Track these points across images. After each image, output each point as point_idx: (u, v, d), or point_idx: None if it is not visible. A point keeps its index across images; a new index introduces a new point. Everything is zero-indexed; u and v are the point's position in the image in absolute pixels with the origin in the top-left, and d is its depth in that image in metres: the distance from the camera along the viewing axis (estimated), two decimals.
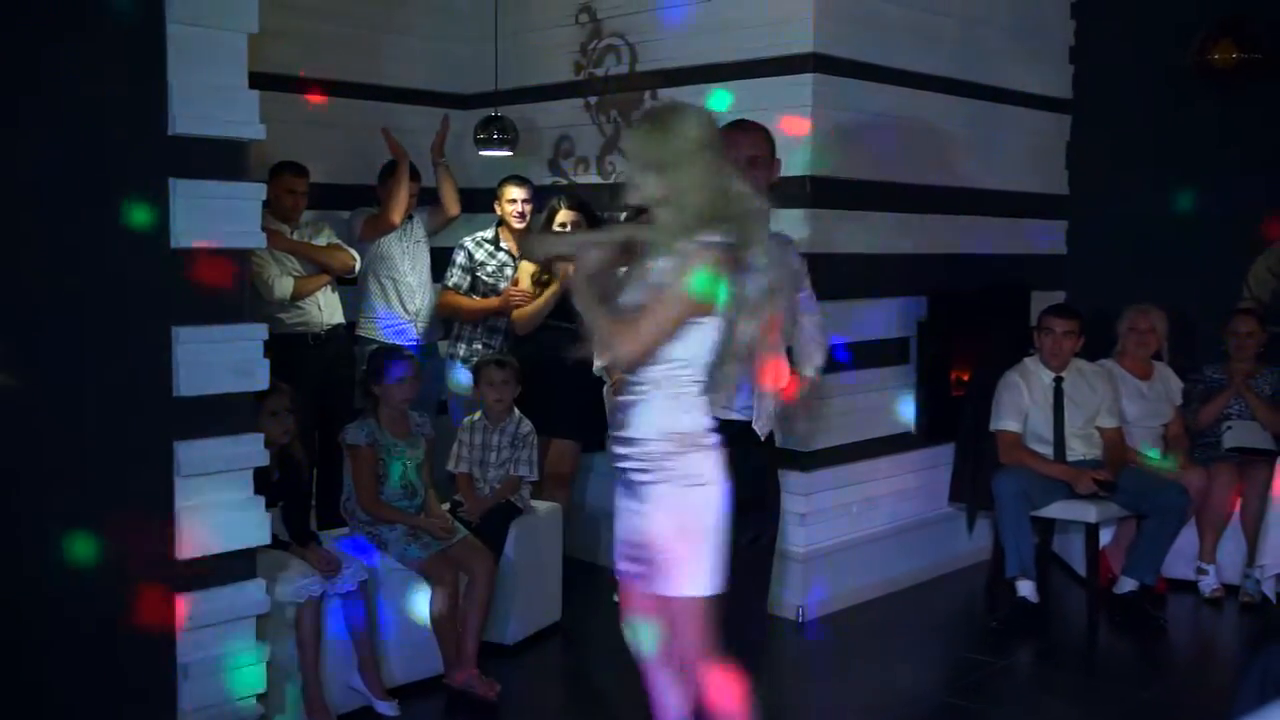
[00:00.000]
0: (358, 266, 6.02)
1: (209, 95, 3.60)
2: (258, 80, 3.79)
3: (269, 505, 3.93)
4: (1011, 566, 5.61)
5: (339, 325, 5.98)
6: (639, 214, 3.25)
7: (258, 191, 3.79)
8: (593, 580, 6.07)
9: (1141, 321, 6.08)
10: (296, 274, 5.77)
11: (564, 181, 6.55)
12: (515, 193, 6.19)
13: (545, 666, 5.21)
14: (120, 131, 3.48)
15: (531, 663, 5.15)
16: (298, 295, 5.75)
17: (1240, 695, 1.79)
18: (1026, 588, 5.61)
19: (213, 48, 3.61)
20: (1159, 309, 6.13)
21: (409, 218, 6.22)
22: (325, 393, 5.76)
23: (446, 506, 5.13)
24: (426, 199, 6.38)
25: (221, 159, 3.67)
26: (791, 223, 5.53)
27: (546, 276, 5.93)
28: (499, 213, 6.24)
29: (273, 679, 3.99)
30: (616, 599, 5.78)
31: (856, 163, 5.69)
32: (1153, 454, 5.89)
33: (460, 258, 6.20)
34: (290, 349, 5.62)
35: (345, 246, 5.98)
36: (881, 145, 5.84)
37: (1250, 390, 6.01)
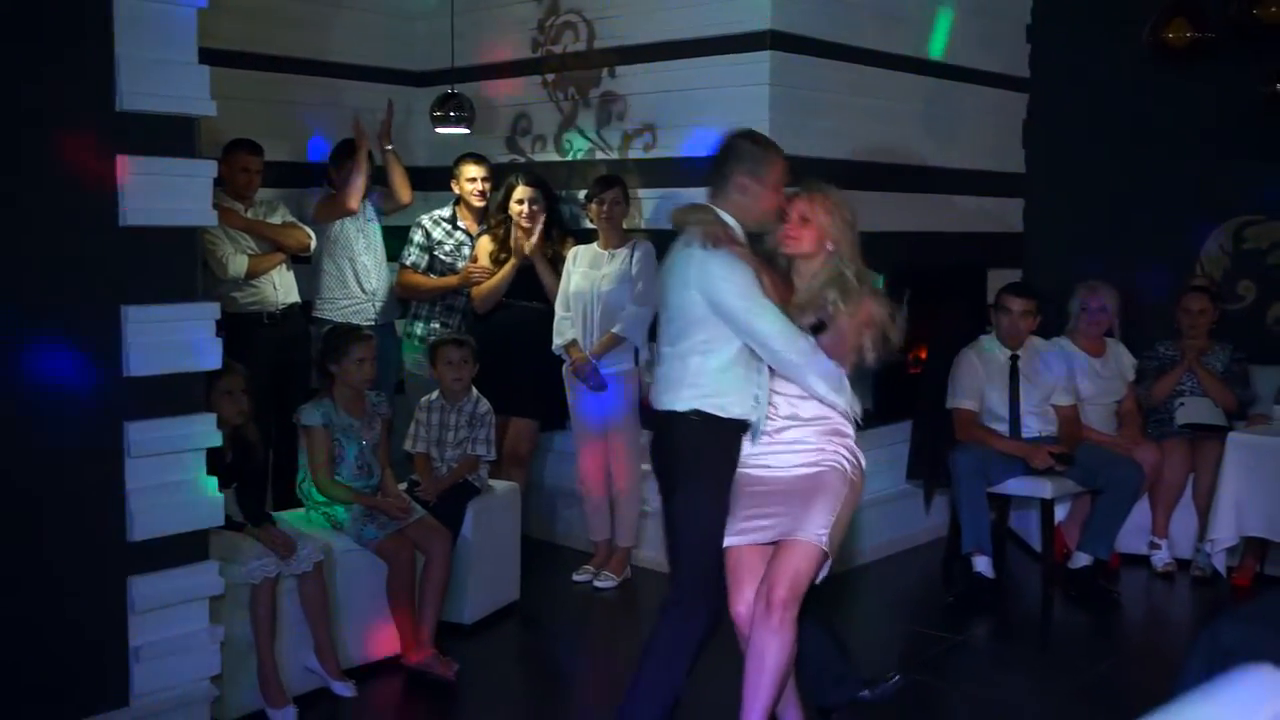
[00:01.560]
0: (313, 245, 5.96)
1: (158, 70, 3.54)
2: (209, 56, 3.73)
3: (223, 486, 3.90)
4: (968, 542, 5.65)
5: (294, 305, 5.92)
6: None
7: (208, 169, 3.75)
8: (551, 559, 6.08)
9: (1093, 299, 6.12)
10: (251, 252, 5.70)
11: (522, 160, 6.50)
12: (474, 171, 6.15)
13: (503, 646, 5.20)
14: (67, 107, 3.42)
15: (489, 642, 5.14)
16: (252, 274, 5.69)
17: (1188, 667, 1.80)
18: (983, 563, 5.65)
19: (162, 22, 3.56)
20: (1110, 286, 6.18)
21: (362, 199, 6.15)
22: (281, 373, 5.71)
23: (404, 486, 5.11)
24: (379, 179, 6.31)
25: (171, 135, 3.62)
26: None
27: (505, 255, 5.90)
28: (457, 191, 6.20)
29: (228, 660, 3.96)
30: (577, 577, 5.85)
31: (813, 141, 5.69)
32: None
33: (418, 237, 6.15)
34: (245, 329, 5.57)
35: (301, 225, 5.92)
36: (838, 123, 5.84)
37: (1202, 366, 6.07)
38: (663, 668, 3.69)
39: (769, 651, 3.44)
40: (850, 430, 3.64)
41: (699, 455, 3.64)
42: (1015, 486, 5.70)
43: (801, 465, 3.58)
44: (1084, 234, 6.82)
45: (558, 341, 5.73)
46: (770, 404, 3.63)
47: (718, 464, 3.65)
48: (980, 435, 5.71)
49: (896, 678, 4.05)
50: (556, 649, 5.27)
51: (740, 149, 3.66)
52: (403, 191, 6.29)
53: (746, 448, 3.66)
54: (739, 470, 3.65)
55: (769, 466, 3.61)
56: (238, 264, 5.61)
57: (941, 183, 6.46)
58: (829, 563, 3.54)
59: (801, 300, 3.61)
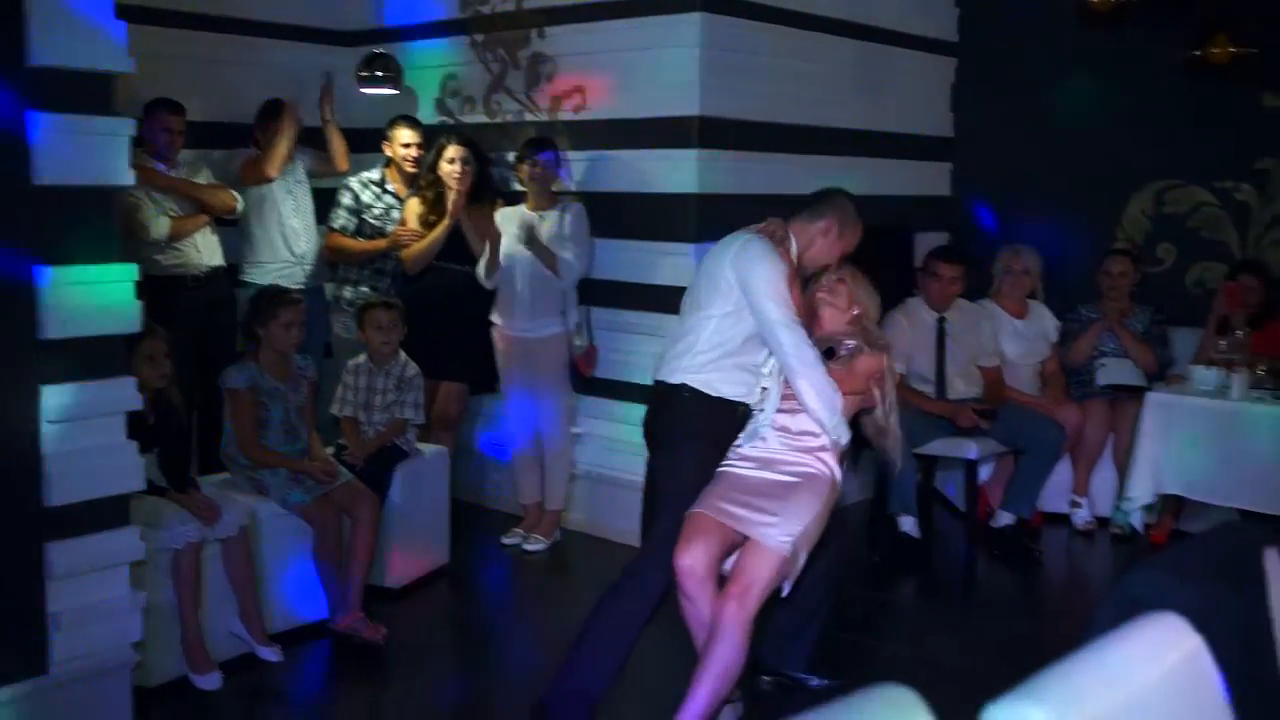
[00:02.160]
0: (239, 208, 5.87)
1: (72, 24, 3.45)
2: (130, 13, 3.65)
3: (144, 451, 3.84)
4: (894, 503, 5.72)
5: (219, 267, 5.82)
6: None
7: (126, 127, 3.65)
8: (481, 523, 6.06)
9: (1016, 262, 6.21)
10: (174, 214, 5.60)
11: (451, 121, 6.44)
12: (408, 136, 6.06)
13: (432, 609, 5.19)
14: None
15: (418, 606, 5.13)
16: (175, 236, 5.58)
17: (1099, 617, 1.85)
18: (908, 523, 5.73)
19: None
20: (1032, 249, 6.26)
21: (290, 159, 6.06)
22: (205, 336, 5.62)
23: (330, 450, 5.07)
24: (309, 139, 6.21)
25: (87, 92, 3.53)
26: (679, 164, 5.55)
27: (434, 217, 5.85)
28: (389, 154, 6.11)
29: (151, 626, 3.92)
30: (506, 540, 5.85)
31: (743, 103, 5.69)
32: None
33: (346, 200, 6.07)
34: (168, 291, 5.47)
35: (227, 188, 5.82)
36: (769, 86, 5.84)
37: (1123, 326, 6.16)
38: (615, 627, 3.73)
39: (718, 649, 3.48)
40: (834, 452, 3.69)
41: (686, 426, 3.76)
42: (940, 447, 5.78)
43: (787, 468, 3.64)
44: (1009, 198, 6.88)
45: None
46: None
47: (704, 436, 3.76)
48: (906, 397, 5.76)
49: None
50: (486, 612, 5.26)
51: (844, 205, 3.92)
52: (340, 160, 6.20)
53: (738, 443, 3.74)
54: (725, 465, 3.71)
55: (754, 462, 3.67)
56: (159, 226, 5.50)
57: (870, 146, 6.49)
58: (794, 573, 3.59)
59: (821, 335, 3.81)
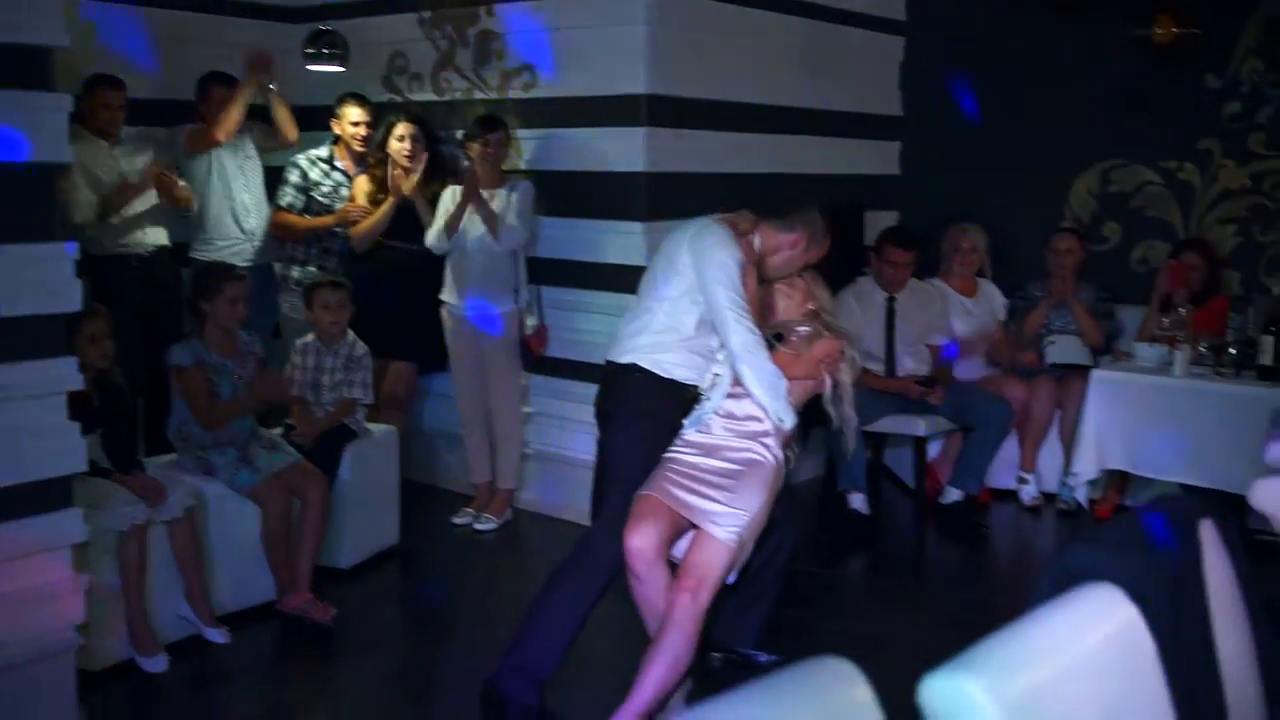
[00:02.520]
0: (195, 208, 5.80)
1: None
2: None
3: (86, 432, 3.79)
4: (843, 480, 5.76)
5: (164, 247, 5.75)
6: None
7: (62, 103, 3.60)
8: (432, 502, 6.05)
9: (964, 240, 6.26)
10: (106, 191, 5.49)
11: (399, 99, 6.38)
12: (357, 114, 5.99)
13: (382, 589, 5.18)
14: None
15: (368, 586, 5.11)
16: (108, 212, 5.48)
17: (1038, 589, 1.87)
18: (858, 500, 5.77)
19: None
20: (979, 227, 6.32)
21: (239, 133, 5.99)
22: (150, 317, 5.55)
23: (279, 431, 5.03)
24: (256, 116, 6.14)
25: (22, 67, 3.46)
26: (627, 142, 5.54)
27: (383, 196, 5.80)
28: (337, 131, 6.05)
29: (96, 609, 3.88)
30: (457, 520, 5.83)
31: (693, 82, 5.68)
32: None
33: (294, 177, 6.00)
34: (112, 271, 5.41)
35: (185, 184, 5.74)
36: (718, 65, 5.83)
37: (1075, 301, 6.21)
38: (565, 605, 3.73)
39: (669, 641, 3.49)
40: (770, 430, 3.68)
41: (636, 405, 3.77)
42: (889, 425, 5.81)
43: (731, 455, 3.64)
44: (958, 177, 6.92)
45: None
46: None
47: (654, 416, 3.76)
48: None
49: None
50: (436, 592, 5.25)
51: (816, 222, 3.89)
52: (288, 129, 6.12)
53: (686, 429, 3.73)
54: (671, 450, 3.70)
55: (697, 448, 3.67)
56: (84, 213, 5.38)
57: (819, 125, 6.50)
58: (741, 561, 3.60)
59: (773, 323, 3.82)
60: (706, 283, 3.65)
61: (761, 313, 3.76)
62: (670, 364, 3.75)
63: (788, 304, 3.88)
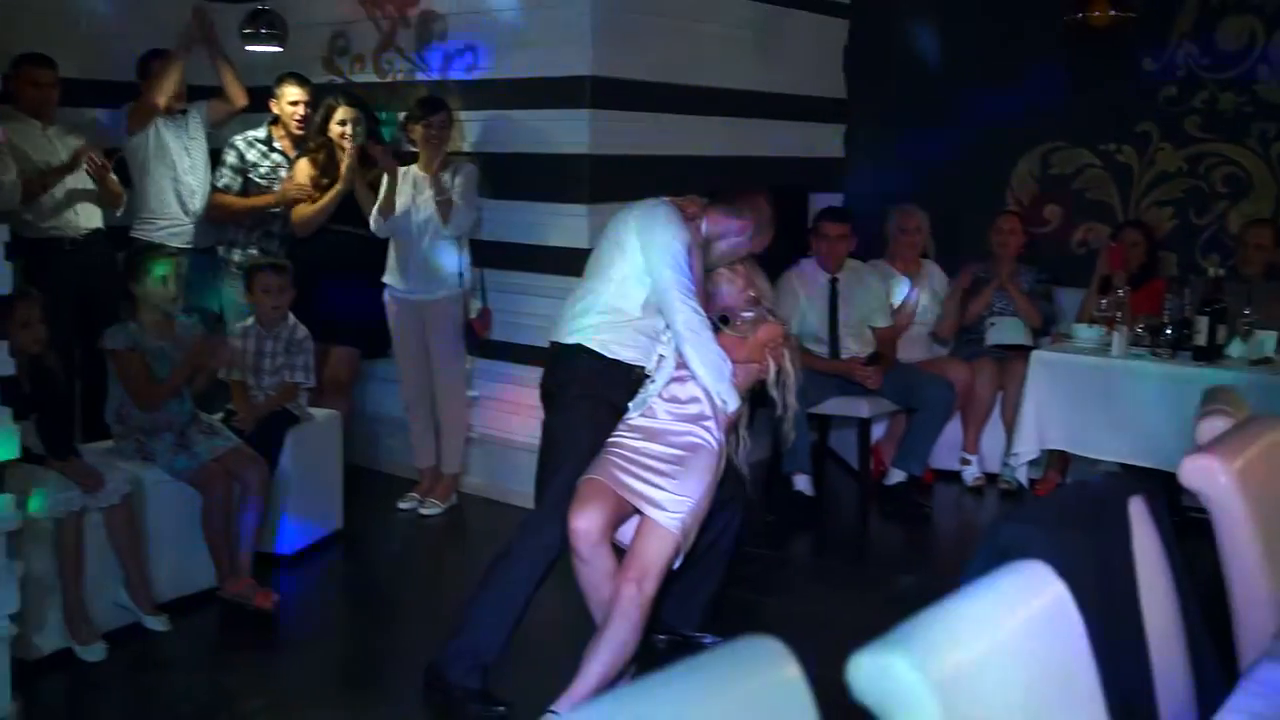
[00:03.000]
0: (119, 211, 5.70)
1: None
2: None
3: (19, 418, 3.73)
4: (788, 462, 5.79)
5: (97, 230, 5.65)
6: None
7: None
8: (376, 487, 6.01)
9: (908, 221, 6.31)
10: (28, 175, 5.37)
11: (340, 80, 6.32)
12: (296, 93, 5.92)
13: (325, 575, 5.15)
14: None
15: (310, 572, 5.08)
16: (30, 196, 5.32)
17: (970, 567, 1.88)
18: (802, 482, 5.80)
19: None
20: (921, 209, 6.37)
21: (183, 112, 5.90)
22: (86, 301, 5.46)
23: (219, 416, 4.98)
24: (196, 95, 6.04)
25: None
26: (571, 123, 5.51)
27: (327, 180, 5.73)
28: (276, 112, 5.97)
29: (32, 598, 3.82)
30: (402, 505, 5.80)
31: (636, 63, 5.67)
32: None
33: (230, 158, 5.93)
34: (45, 255, 5.31)
35: (115, 179, 5.64)
36: (663, 47, 5.82)
37: (1013, 284, 6.28)
38: (508, 589, 3.72)
39: (615, 630, 3.49)
40: (718, 419, 3.68)
41: (582, 386, 3.76)
42: (834, 406, 5.86)
43: (673, 439, 3.63)
44: (903, 159, 6.95)
45: None
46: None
47: (599, 397, 3.76)
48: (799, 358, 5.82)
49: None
50: (380, 577, 5.22)
51: (764, 210, 3.93)
52: (237, 97, 6.01)
53: (628, 414, 3.73)
54: (615, 435, 3.69)
55: (641, 432, 3.67)
56: (8, 194, 5.25)
57: (764, 108, 6.51)
58: (686, 548, 3.60)
59: (719, 306, 3.84)
60: (653, 263, 3.65)
61: (703, 301, 3.76)
62: (616, 345, 3.74)
63: (730, 289, 3.89)
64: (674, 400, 3.70)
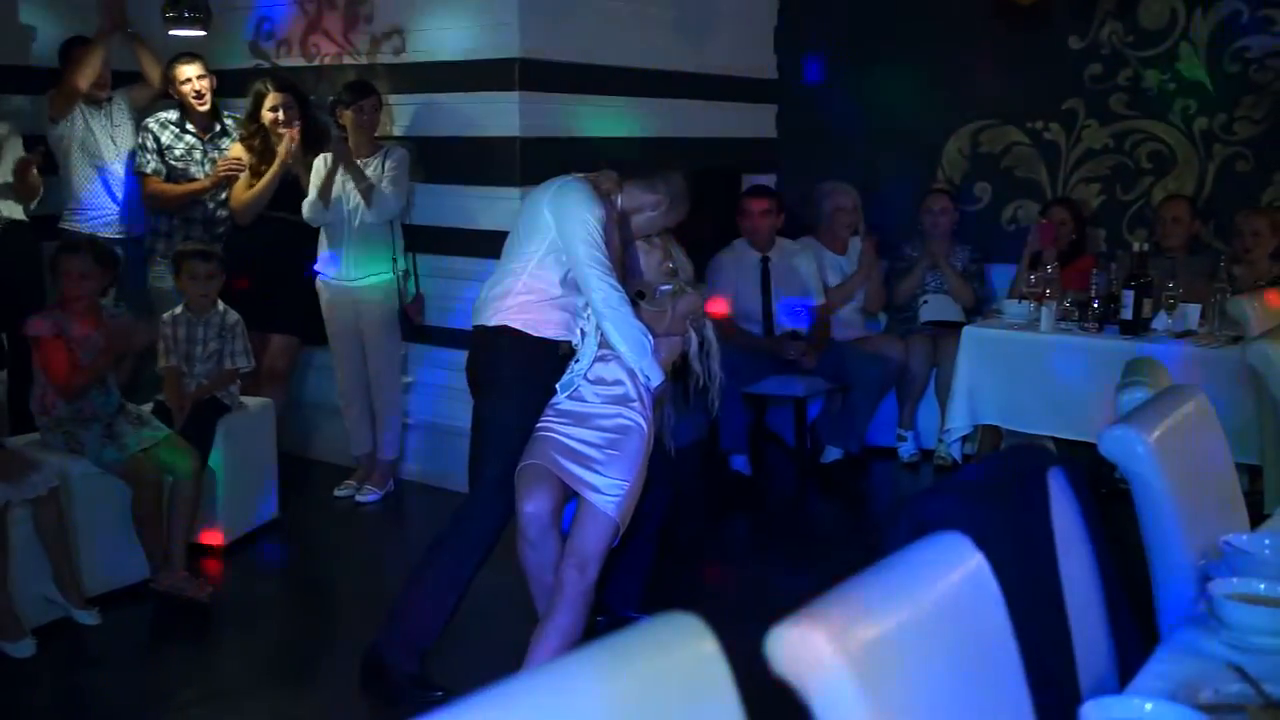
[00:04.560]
0: (33, 205, 5.59)
1: None
2: None
3: None
4: (725, 441, 5.82)
5: (18, 221, 5.55)
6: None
7: None
8: (313, 475, 5.97)
9: (845, 200, 6.35)
10: None
11: (266, 64, 6.24)
12: (188, 71, 5.81)
13: (261, 565, 5.09)
14: None
15: (245, 562, 5.03)
16: None
17: (891, 538, 1.91)
18: (739, 461, 5.84)
19: None
20: (850, 186, 6.42)
21: (108, 100, 5.80)
22: (7, 293, 5.36)
23: (149, 407, 4.90)
24: (119, 82, 5.94)
25: None
26: (500, 106, 5.48)
27: (264, 167, 5.65)
28: (174, 95, 5.87)
29: None
30: (339, 492, 5.75)
31: (564, 44, 5.64)
32: None
33: (148, 142, 5.82)
34: None
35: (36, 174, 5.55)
36: (592, 28, 5.80)
37: (945, 263, 6.35)
38: (445, 574, 3.72)
39: (560, 619, 3.51)
40: (645, 398, 3.68)
41: (511, 369, 3.73)
42: (769, 386, 5.89)
43: (603, 422, 3.63)
44: (834, 139, 6.99)
45: None
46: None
47: (528, 379, 3.73)
48: (734, 337, 5.85)
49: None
50: (318, 565, 5.19)
51: (679, 186, 3.88)
52: (154, 75, 5.92)
53: (555, 400, 3.71)
54: (544, 421, 3.68)
55: (570, 418, 3.66)
56: None
57: (695, 88, 6.50)
58: (623, 529, 3.61)
59: (637, 280, 3.83)
60: (569, 240, 3.63)
61: (622, 273, 3.76)
62: (540, 323, 3.72)
63: (648, 262, 3.89)
64: (600, 381, 3.70)
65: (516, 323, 3.71)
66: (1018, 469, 2.21)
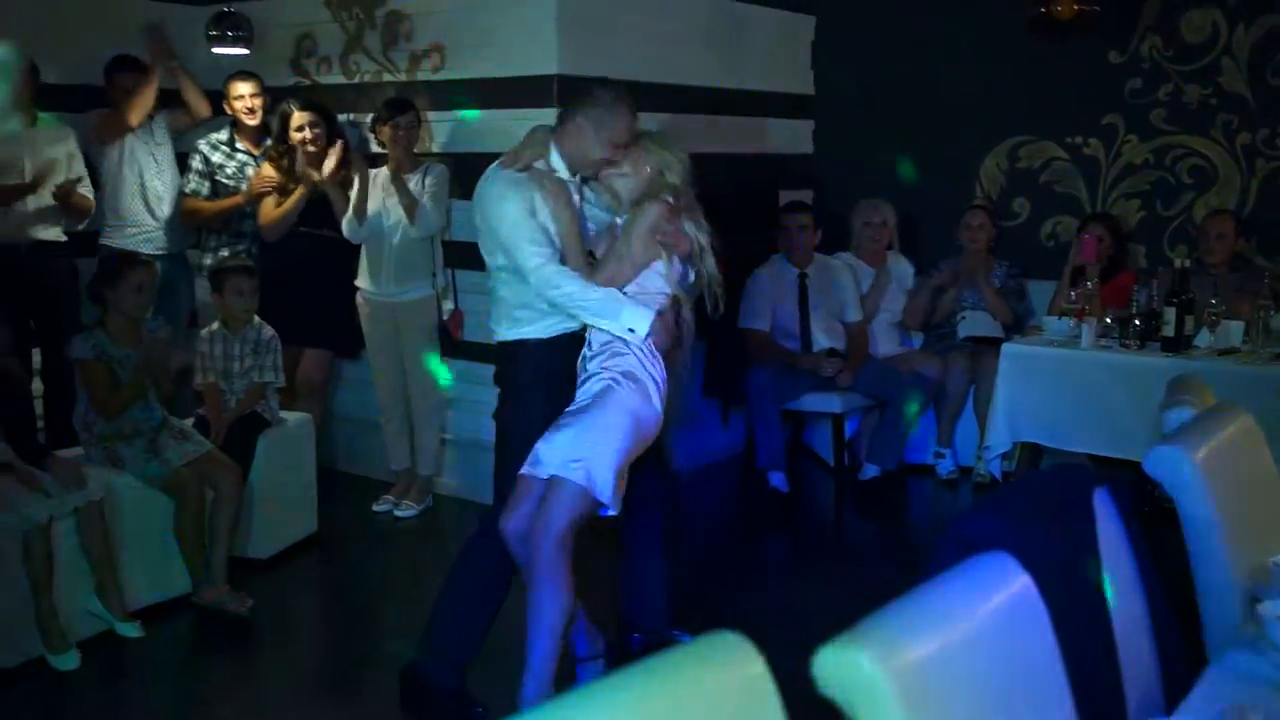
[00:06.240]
0: (83, 225, 5.67)
1: None
2: None
3: None
4: (763, 458, 5.80)
5: (56, 240, 5.62)
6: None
7: None
8: (351, 490, 6.00)
9: (875, 215, 6.34)
10: None
11: (307, 82, 6.29)
12: (242, 88, 5.89)
13: (300, 579, 5.12)
14: None
15: (285, 576, 5.05)
16: None
17: (935, 558, 1.90)
18: (777, 478, 5.82)
19: None
20: (887, 203, 6.40)
21: (150, 118, 5.87)
22: (44, 306, 5.43)
23: (191, 421, 4.95)
24: (166, 101, 6.01)
25: None
26: (539, 123, 5.49)
27: (292, 185, 5.71)
28: (229, 112, 5.95)
29: (3, 606, 3.80)
30: (377, 507, 5.77)
31: (602, 62, 5.64)
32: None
33: (196, 163, 5.90)
34: (2, 260, 5.28)
35: (88, 195, 5.63)
36: (629, 45, 5.82)
37: (983, 279, 6.31)
38: (477, 587, 3.71)
39: (536, 600, 3.38)
40: (628, 352, 3.49)
41: (532, 373, 3.67)
42: (807, 402, 5.88)
43: (585, 392, 3.50)
44: (871, 155, 6.97)
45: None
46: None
47: (551, 379, 3.64)
48: (772, 354, 5.85)
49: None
50: (356, 580, 5.21)
51: (594, 97, 3.60)
52: (199, 105, 6.00)
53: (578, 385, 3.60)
54: None
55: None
56: None
57: (732, 104, 6.51)
58: (608, 494, 3.37)
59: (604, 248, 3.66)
60: (508, 248, 3.52)
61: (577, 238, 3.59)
62: (552, 323, 3.63)
63: (626, 182, 3.65)
64: (602, 351, 3.53)
65: (531, 331, 3.63)
66: (1062, 488, 2.20)
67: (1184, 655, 2.32)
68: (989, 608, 1.73)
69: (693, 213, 3.67)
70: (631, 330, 3.47)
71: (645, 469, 3.67)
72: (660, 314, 3.54)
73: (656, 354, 3.54)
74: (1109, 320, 5.49)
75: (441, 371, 5.67)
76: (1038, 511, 2.05)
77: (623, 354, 3.49)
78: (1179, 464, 2.46)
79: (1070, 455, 5.65)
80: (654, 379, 3.50)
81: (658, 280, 3.58)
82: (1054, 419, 5.53)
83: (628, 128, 3.62)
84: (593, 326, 3.55)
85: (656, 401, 3.50)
